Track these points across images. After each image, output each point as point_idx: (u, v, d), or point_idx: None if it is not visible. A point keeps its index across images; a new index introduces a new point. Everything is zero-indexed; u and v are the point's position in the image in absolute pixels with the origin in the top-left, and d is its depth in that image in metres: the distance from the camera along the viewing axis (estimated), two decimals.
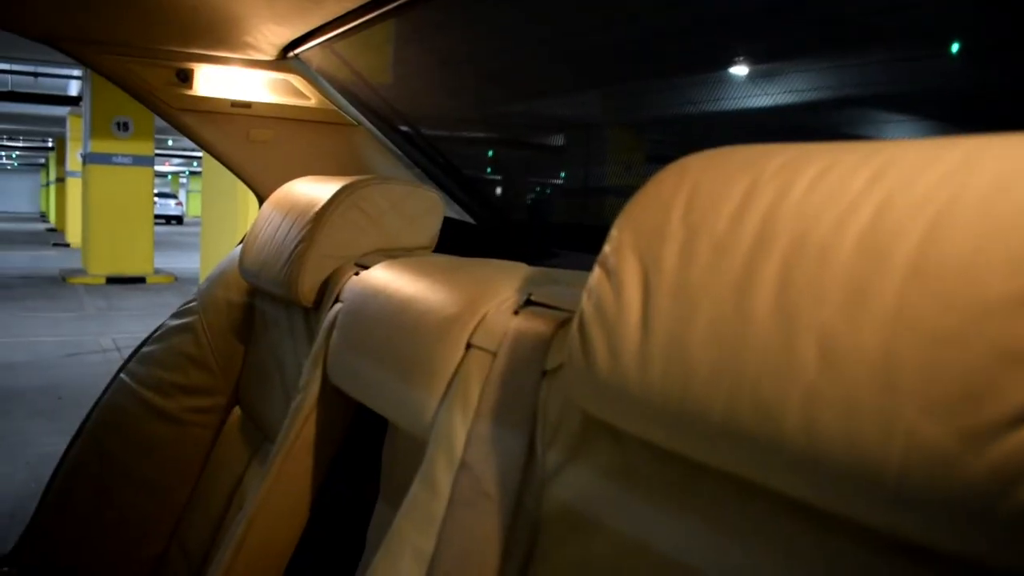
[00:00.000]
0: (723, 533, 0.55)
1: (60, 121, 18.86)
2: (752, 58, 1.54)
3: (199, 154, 30.05)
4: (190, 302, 1.69)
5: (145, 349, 1.69)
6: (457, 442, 0.76)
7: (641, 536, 0.60)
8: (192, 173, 39.07)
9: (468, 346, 0.81)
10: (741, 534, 0.53)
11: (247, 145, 1.79)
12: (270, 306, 1.49)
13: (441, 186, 1.75)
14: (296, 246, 1.26)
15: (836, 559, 0.48)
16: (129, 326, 8.41)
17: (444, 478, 0.76)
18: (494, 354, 0.78)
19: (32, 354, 7.01)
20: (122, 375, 1.68)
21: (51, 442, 1.68)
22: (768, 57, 1.55)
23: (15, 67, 14.36)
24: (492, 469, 0.73)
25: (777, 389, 0.46)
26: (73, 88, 15.57)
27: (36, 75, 14.89)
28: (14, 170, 45.31)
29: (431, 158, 1.76)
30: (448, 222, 1.44)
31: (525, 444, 0.72)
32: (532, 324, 0.76)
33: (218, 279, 1.66)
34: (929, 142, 0.47)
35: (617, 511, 0.63)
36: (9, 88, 15.43)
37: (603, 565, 0.63)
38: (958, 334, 0.39)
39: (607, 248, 0.61)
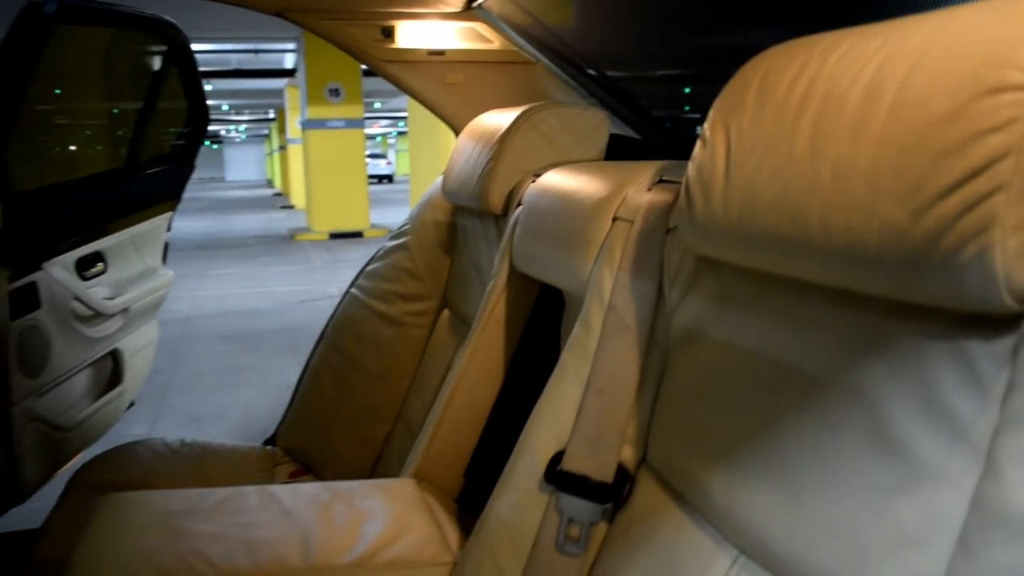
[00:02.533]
0: (784, 326, 0.74)
1: (279, 93, 20.32)
2: None
3: (404, 115, 31.40)
4: (404, 226, 2.00)
5: (369, 267, 2.01)
6: (605, 291, 0.98)
7: (734, 340, 0.80)
8: (399, 133, 40.82)
9: (614, 219, 1.03)
10: (794, 321, 0.72)
11: (443, 88, 2.06)
12: (468, 220, 1.76)
13: (609, 108, 1.94)
14: (486, 165, 1.50)
15: (849, 326, 0.66)
16: (352, 275, 9.16)
17: (596, 319, 0.99)
18: (631, 222, 0.99)
19: (271, 302, 7.83)
20: (352, 290, 2.01)
21: (292, 373, 2.04)
22: None
23: (238, 46, 15.64)
24: (631, 308, 0.95)
25: (806, 204, 0.64)
26: (288, 61, 16.74)
27: (256, 52, 16.15)
28: (242, 142, 49.06)
29: (599, 84, 1.96)
30: (615, 138, 1.64)
31: (655, 288, 0.93)
32: (660, 196, 0.97)
33: (425, 204, 1.95)
34: (926, 15, 0.64)
35: (717, 324, 0.83)
36: (234, 66, 16.82)
37: (710, 367, 0.83)
38: (915, 145, 0.56)
39: (705, 124, 0.80)
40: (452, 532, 1.17)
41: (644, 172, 1.07)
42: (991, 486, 0.48)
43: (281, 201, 23.19)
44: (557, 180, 1.24)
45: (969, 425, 0.54)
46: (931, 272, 0.54)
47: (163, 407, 4.49)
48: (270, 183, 37.55)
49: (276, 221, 16.81)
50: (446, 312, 1.86)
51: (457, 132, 2.06)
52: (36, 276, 2.12)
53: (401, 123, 35.44)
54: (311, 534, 1.13)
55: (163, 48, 2.79)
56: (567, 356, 1.02)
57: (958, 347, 0.56)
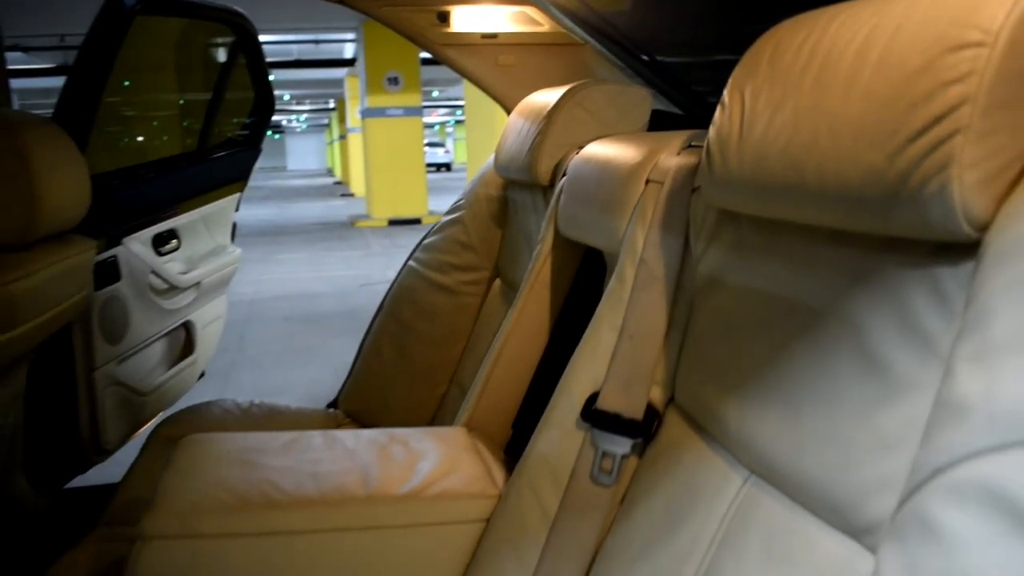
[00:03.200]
0: (790, 267, 0.82)
1: (339, 83, 20.62)
2: None
3: (462, 103, 31.66)
4: (459, 201, 2.10)
5: (426, 240, 2.13)
6: (638, 247, 1.08)
7: (748, 283, 0.89)
8: (457, 122, 41.07)
9: (647, 182, 1.12)
10: (798, 262, 0.81)
11: (495, 69, 2.16)
12: (518, 194, 1.86)
13: (653, 85, 2.02)
14: (534, 139, 1.60)
15: (842, 262, 0.74)
16: None
17: (629, 273, 1.08)
18: (662, 184, 1.08)
19: (332, 285, 8.04)
20: (410, 262, 2.13)
21: (352, 352, 2.17)
22: None
23: (299, 37, 15.94)
24: (660, 261, 1.04)
25: (805, 155, 0.73)
26: (348, 51, 17.01)
27: (317, 42, 16.44)
28: (303, 132, 49.80)
29: (644, 64, 2.04)
30: (658, 114, 1.72)
31: (682, 242, 1.02)
32: (687, 160, 1.06)
33: (479, 180, 2.06)
34: None
35: (734, 271, 0.92)
36: (296, 57, 17.14)
37: (728, 309, 0.92)
38: (893, 97, 0.65)
39: (725, 91, 0.89)
40: (498, 471, 1.27)
41: (675, 139, 1.16)
42: (946, 383, 0.57)
43: (341, 189, 23.57)
44: (598, 150, 1.33)
45: (937, 340, 0.63)
46: (903, 206, 0.62)
47: (230, 383, 4.68)
48: (330, 172, 38.13)
49: (336, 209, 17.11)
50: (497, 281, 1.97)
51: (508, 111, 2.16)
52: (117, 251, 2.28)
53: (459, 112, 35.62)
54: (370, 470, 1.25)
55: (232, 38, 2.94)
56: (603, 307, 1.11)
57: (929, 274, 0.64)
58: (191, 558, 1.12)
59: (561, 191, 1.44)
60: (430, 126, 42.24)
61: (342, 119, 25.05)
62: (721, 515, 0.83)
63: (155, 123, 3.34)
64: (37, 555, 1.50)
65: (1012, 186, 0.57)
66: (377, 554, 1.17)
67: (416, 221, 13.31)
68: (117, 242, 2.27)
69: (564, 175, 1.48)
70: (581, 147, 1.54)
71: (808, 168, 0.72)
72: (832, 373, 0.72)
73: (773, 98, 0.79)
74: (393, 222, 13.34)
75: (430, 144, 30.16)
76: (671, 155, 1.11)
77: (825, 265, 0.77)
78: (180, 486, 1.19)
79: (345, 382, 2.19)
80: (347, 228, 13.29)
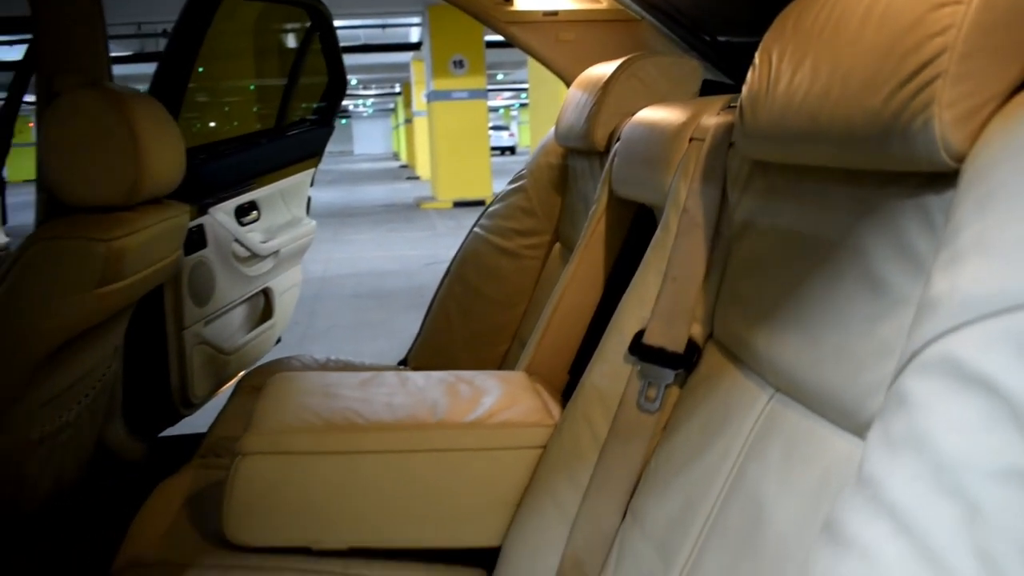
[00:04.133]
0: (810, 207, 0.92)
1: (405, 67, 20.87)
2: None
3: (526, 86, 31.76)
4: (521, 171, 2.23)
5: (490, 208, 2.26)
6: (681, 198, 1.19)
7: (776, 225, 1.00)
8: (521, 105, 41.13)
9: (690, 140, 1.23)
10: (817, 202, 0.91)
11: (556, 45, 2.28)
12: (577, 161, 1.98)
13: (706, 58, 2.11)
14: (591, 108, 1.72)
15: (853, 198, 0.85)
16: None
17: (673, 222, 1.19)
18: (703, 141, 1.19)
19: (399, 264, 8.25)
20: (475, 229, 2.27)
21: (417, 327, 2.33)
22: None
23: (366, 22, 16.19)
24: (700, 210, 1.15)
25: (820, 104, 0.83)
26: (414, 35, 17.22)
27: (383, 27, 16.68)
28: (369, 116, 50.39)
29: (695, 36, 2.13)
30: (709, 83, 1.82)
31: (719, 192, 1.14)
32: (725, 118, 1.17)
33: (540, 151, 2.18)
34: None
35: (764, 214, 1.03)
36: (362, 41, 17.41)
37: (759, 249, 1.03)
38: (889, 49, 0.75)
39: (756, 54, 1.00)
40: (554, 407, 1.40)
41: (717, 102, 1.27)
42: (925, 290, 0.68)
43: (407, 172, 23.87)
44: (647, 115, 1.45)
45: (925, 260, 0.73)
46: (895, 142, 0.73)
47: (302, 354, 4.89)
48: (396, 156, 38.55)
49: (402, 191, 17.38)
50: (558, 245, 2.09)
51: (568, 84, 2.28)
52: (203, 219, 2.46)
53: (523, 95, 35.65)
54: (439, 402, 1.39)
55: (307, 22, 3.10)
56: (649, 254, 1.23)
57: (920, 203, 0.75)
58: (282, 473, 1.28)
59: (615, 155, 1.56)
60: (495, 109, 42.39)
61: (408, 103, 25.33)
62: (748, 429, 0.95)
63: (237, 102, 3.52)
64: (137, 494, 1.68)
65: (985, 122, 0.67)
66: (444, 474, 1.31)
67: (481, 203, 13.46)
68: (204, 212, 2.45)
69: (618, 140, 1.60)
70: (634, 115, 1.65)
71: (822, 115, 0.82)
72: (842, 296, 0.83)
73: (795, 57, 0.90)
74: (458, 204, 13.53)
75: (495, 127, 30.25)
76: (712, 115, 1.22)
77: (837, 203, 0.87)
78: (272, 412, 1.34)
79: (414, 342, 2.34)
80: (413, 210, 13.53)
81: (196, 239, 2.42)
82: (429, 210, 13.37)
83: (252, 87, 3.58)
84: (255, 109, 3.62)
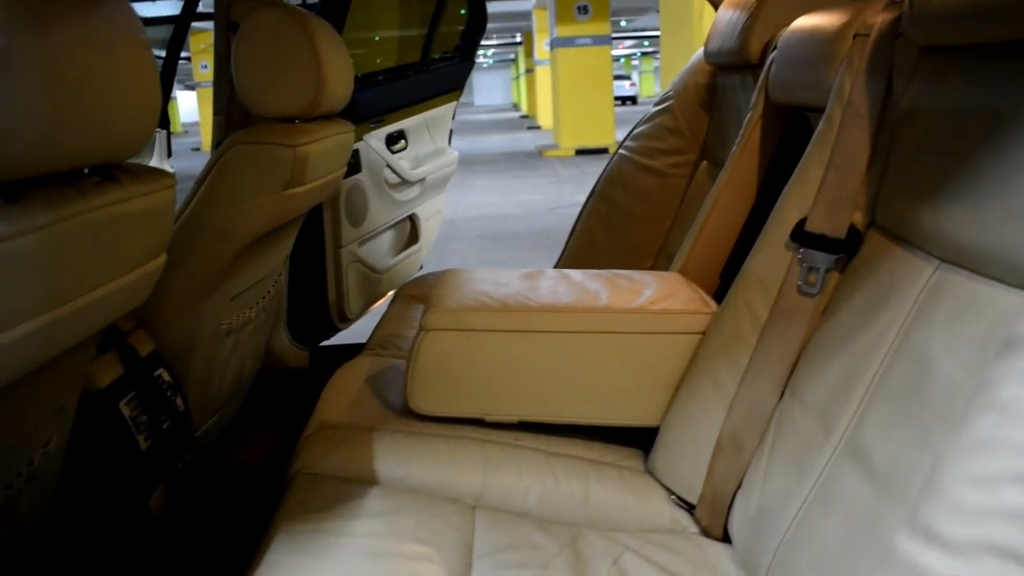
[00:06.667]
0: (975, 85, 0.95)
1: (526, 15, 20.81)
2: None
3: (649, 34, 31.17)
4: (667, 92, 2.28)
5: (635, 131, 2.32)
6: (845, 91, 1.23)
7: (941, 107, 1.02)
8: (643, 54, 40.40)
9: (855, 36, 1.27)
10: (982, 79, 0.94)
11: None
12: (727, 78, 2.02)
13: None
14: (745, 22, 1.75)
15: (1018, 70, 0.89)
16: None
17: (837, 115, 1.24)
18: (868, 35, 1.22)
19: (523, 208, 8.36)
20: (620, 151, 2.33)
21: (543, 266, 2.42)
22: None
23: None
24: (865, 101, 1.19)
25: None
26: None
27: None
28: (489, 68, 50.51)
29: None
30: None
31: (884, 83, 1.17)
32: (890, 13, 1.20)
33: (687, 71, 2.22)
34: None
35: (930, 99, 1.06)
36: None
37: (925, 133, 1.07)
38: None
39: None
40: (710, 300, 1.48)
41: (878, 2, 1.30)
42: None
43: (527, 123, 23.91)
44: (807, 20, 1.48)
45: None
46: None
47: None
48: (515, 106, 38.59)
49: (523, 141, 17.47)
50: (704, 163, 2.14)
51: (716, 7, 2.30)
52: (358, 145, 2.60)
53: (646, 43, 35.02)
54: (602, 292, 1.48)
55: None
56: (811, 147, 1.28)
57: None
58: (460, 348, 1.40)
59: (771, 63, 1.60)
60: (616, 59, 41.81)
61: (529, 53, 25.28)
62: (913, 300, 1.00)
63: (387, 37, 3.66)
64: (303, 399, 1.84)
65: None
66: (608, 356, 1.41)
67: (603, 151, 13.44)
68: (359, 138, 2.60)
69: (775, 49, 1.63)
70: (787, 26, 1.68)
71: None
72: (1009, 164, 0.87)
73: None
74: (581, 152, 13.53)
75: (615, 77, 29.88)
76: (876, 12, 1.25)
77: (1003, 76, 0.91)
78: (450, 295, 1.47)
79: (558, 260, 2.44)
80: (535, 158, 13.60)
81: (352, 163, 2.57)
82: (551, 158, 13.42)
83: (401, 23, 3.70)
84: (402, 44, 3.75)
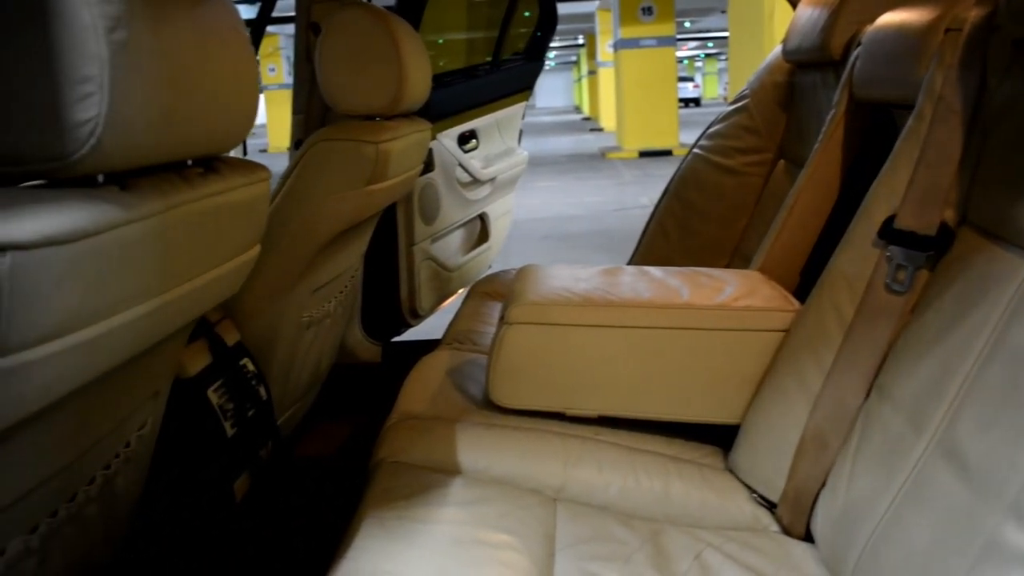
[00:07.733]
0: None
1: (589, 17, 20.76)
2: None
3: (714, 35, 30.78)
4: (743, 91, 2.26)
5: (710, 130, 2.31)
6: (936, 86, 1.21)
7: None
8: (707, 55, 39.99)
9: (946, 31, 1.25)
10: None
11: None
12: (807, 76, 2.00)
13: None
14: (827, 18, 1.74)
15: None
16: (663, 188, 9.50)
17: (928, 110, 1.22)
18: (960, 30, 1.21)
19: (586, 210, 8.36)
20: (695, 150, 2.32)
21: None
22: None
23: None
24: (958, 96, 1.17)
25: None
26: None
27: None
28: (550, 70, 50.48)
29: None
30: None
31: (978, 79, 1.15)
32: (984, 7, 1.18)
33: (763, 70, 2.20)
34: None
35: (1023, 93, 1.05)
36: None
37: (1020, 127, 1.05)
38: None
39: None
40: (792, 299, 1.47)
41: None
42: None
43: (589, 124, 23.87)
44: (894, 16, 1.46)
45: None
46: None
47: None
48: (577, 108, 38.53)
49: (586, 142, 17.44)
50: (782, 162, 2.12)
51: (794, 6, 2.28)
52: (432, 144, 2.63)
53: (710, 44, 34.64)
54: (683, 288, 1.48)
55: None
56: (900, 143, 1.26)
57: None
58: (543, 342, 1.42)
59: (855, 59, 1.58)
60: (679, 60, 41.45)
61: (591, 55, 25.22)
62: (1009, 296, 0.98)
63: (458, 38, 3.70)
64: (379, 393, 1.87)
65: None
66: (690, 352, 1.41)
67: (667, 152, 13.35)
68: (432, 137, 2.63)
69: (858, 45, 1.61)
70: (872, 22, 1.66)
71: None
72: None
73: None
74: (644, 153, 13.46)
75: (679, 79, 29.64)
76: (968, 6, 1.23)
77: None
78: (532, 289, 1.48)
79: (630, 259, 2.44)
80: (598, 160, 13.57)
81: (426, 162, 2.60)
82: (615, 160, 13.38)
83: (472, 25, 3.74)
84: (473, 45, 3.79)
